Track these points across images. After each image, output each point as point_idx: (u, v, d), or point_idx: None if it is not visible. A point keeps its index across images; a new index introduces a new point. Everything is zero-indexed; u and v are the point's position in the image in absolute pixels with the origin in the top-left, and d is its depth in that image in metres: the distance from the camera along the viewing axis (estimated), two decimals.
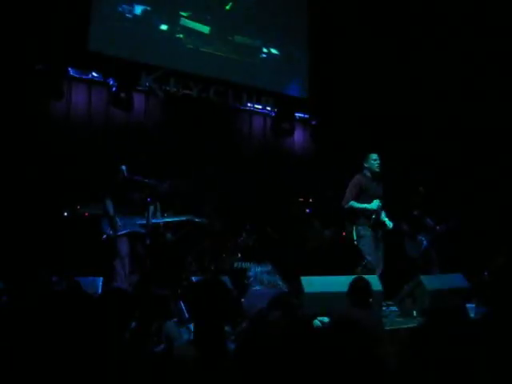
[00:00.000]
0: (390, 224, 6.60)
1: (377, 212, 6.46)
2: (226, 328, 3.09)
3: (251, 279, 5.26)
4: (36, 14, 7.66)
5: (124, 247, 6.20)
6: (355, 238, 6.52)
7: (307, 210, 9.62)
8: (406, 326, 5.65)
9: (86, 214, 7.36)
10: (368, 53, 10.71)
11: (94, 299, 2.46)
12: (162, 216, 6.81)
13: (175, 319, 4.64)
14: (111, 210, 6.20)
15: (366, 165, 6.75)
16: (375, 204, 6.45)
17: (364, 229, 6.45)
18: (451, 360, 1.57)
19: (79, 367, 1.70)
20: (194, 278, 6.24)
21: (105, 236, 6.23)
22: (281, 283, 5.43)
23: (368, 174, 6.71)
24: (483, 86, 9.32)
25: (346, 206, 6.52)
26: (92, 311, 1.85)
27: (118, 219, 6.18)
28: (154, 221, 6.54)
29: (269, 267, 5.31)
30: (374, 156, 6.75)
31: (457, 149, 9.24)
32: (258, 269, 5.32)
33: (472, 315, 5.58)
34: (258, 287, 5.05)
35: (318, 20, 10.60)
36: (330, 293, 5.77)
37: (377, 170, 6.69)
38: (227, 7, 9.90)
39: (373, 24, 10.50)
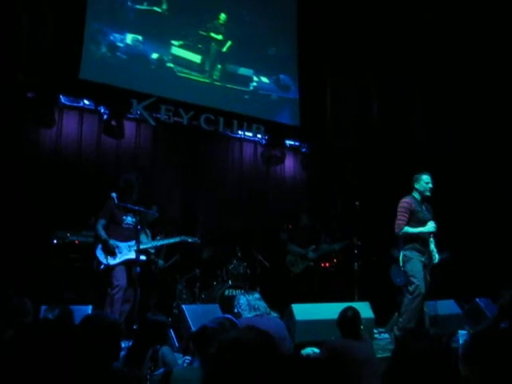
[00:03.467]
0: (435, 258, 6.15)
1: (434, 234, 6.05)
2: None
3: (242, 307, 5.19)
4: (28, 41, 7.72)
5: (122, 277, 6.14)
6: (401, 262, 6.11)
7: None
8: None
9: (76, 241, 7.30)
10: (358, 81, 10.88)
11: (75, 328, 2.43)
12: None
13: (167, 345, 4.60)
14: (103, 234, 6.17)
15: (416, 186, 6.23)
16: (431, 226, 6.00)
17: (411, 253, 6.03)
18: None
19: None
20: (184, 306, 6.19)
21: (102, 266, 6.15)
22: (270, 310, 5.40)
23: (417, 196, 6.22)
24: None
25: (401, 233, 6.04)
26: (72, 340, 1.82)
27: (112, 242, 6.14)
28: (151, 244, 6.53)
29: (257, 294, 5.26)
30: (427, 178, 6.20)
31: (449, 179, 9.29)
32: (249, 296, 5.26)
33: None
34: (251, 313, 4.99)
35: (308, 48, 10.74)
36: (321, 320, 5.75)
37: (428, 194, 6.20)
38: (224, 49, 10.02)
39: (362, 52, 10.67)
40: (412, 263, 6.03)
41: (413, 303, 5.95)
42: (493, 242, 8.57)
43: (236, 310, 5.24)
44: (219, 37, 9.97)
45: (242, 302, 5.20)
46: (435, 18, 9.92)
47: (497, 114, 9.17)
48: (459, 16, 9.56)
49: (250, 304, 5.11)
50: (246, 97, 10.16)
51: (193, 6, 9.67)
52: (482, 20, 9.32)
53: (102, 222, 6.28)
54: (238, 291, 7.46)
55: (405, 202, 6.15)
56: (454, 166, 9.38)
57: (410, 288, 6.01)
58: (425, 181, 6.19)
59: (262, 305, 5.15)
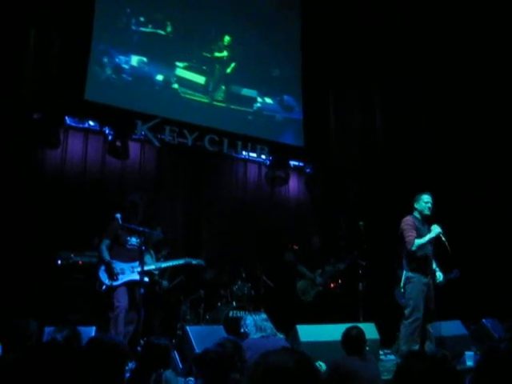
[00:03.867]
0: (440, 276, 6.19)
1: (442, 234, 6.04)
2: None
3: (249, 327, 5.14)
4: (34, 62, 7.80)
5: (124, 299, 6.10)
6: (402, 283, 6.11)
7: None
8: None
9: (80, 262, 7.29)
10: (362, 101, 10.93)
11: (80, 350, 2.41)
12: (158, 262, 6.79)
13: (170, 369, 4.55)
14: (107, 256, 6.15)
15: (416, 206, 6.29)
16: (436, 229, 6.03)
17: (414, 274, 6.00)
18: None
19: None
20: (188, 327, 6.16)
21: (104, 287, 6.12)
22: (277, 332, 5.34)
23: (418, 216, 6.24)
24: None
25: (415, 248, 5.97)
26: (78, 363, 1.80)
27: (115, 264, 6.12)
28: (155, 265, 6.51)
29: (264, 315, 5.22)
30: (426, 198, 6.25)
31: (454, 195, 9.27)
32: (256, 317, 5.21)
33: (470, 363, 5.52)
34: (257, 334, 4.94)
35: (311, 69, 10.81)
36: (326, 342, 5.70)
37: (427, 213, 6.22)
38: (228, 70, 10.10)
39: (365, 72, 10.75)
40: (413, 285, 6.00)
41: (409, 329, 5.88)
42: (499, 261, 8.53)
43: (242, 330, 5.19)
44: (223, 58, 10.07)
45: (248, 322, 5.15)
46: (440, 34, 10.02)
47: (503, 133, 9.19)
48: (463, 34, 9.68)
49: (256, 324, 5.06)
50: (250, 118, 10.20)
51: (197, 29, 9.78)
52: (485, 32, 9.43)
53: (106, 243, 6.27)
54: (242, 312, 7.43)
55: (407, 219, 6.19)
56: (459, 184, 9.38)
57: (406, 311, 5.96)
58: (424, 200, 6.24)
59: (268, 326, 5.10)
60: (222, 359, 3.13)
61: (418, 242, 6.00)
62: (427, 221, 6.29)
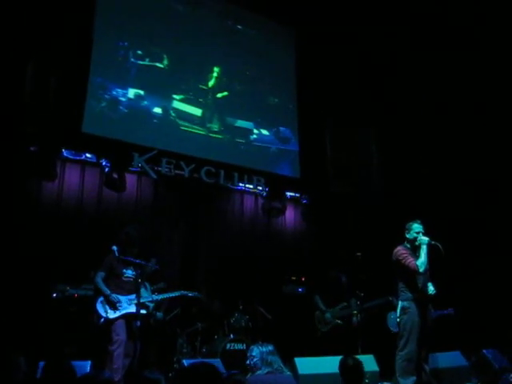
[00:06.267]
0: (431, 290, 6.06)
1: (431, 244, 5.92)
2: None
3: (255, 359, 5.03)
4: (32, 95, 7.85)
5: (122, 332, 6.04)
6: (398, 313, 5.96)
7: (299, 290, 9.49)
8: None
9: (76, 295, 7.23)
10: (358, 130, 11.01)
11: None
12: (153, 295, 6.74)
13: None
14: (105, 289, 6.11)
15: (407, 236, 6.14)
16: (424, 240, 5.90)
17: (410, 304, 5.86)
18: None
19: None
20: (185, 361, 6.07)
21: (102, 319, 6.06)
22: (283, 366, 5.20)
23: (408, 245, 6.09)
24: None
25: (422, 269, 5.79)
26: None
27: (115, 295, 6.08)
28: (151, 298, 6.46)
29: (271, 347, 5.11)
30: (417, 227, 6.09)
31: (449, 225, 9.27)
32: (263, 349, 5.11)
33: None
34: (263, 370, 4.83)
35: (307, 100, 10.92)
36: (325, 374, 5.60)
37: (417, 243, 6.02)
38: (224, 102, 10.20)
39: (361, 100, 10.85)
40: (408, 316, 5.87)
41: (404, 360, 5.75)
42: (498, 291, 8.47)
43: (248, 362, 5.07)
44: (219, 90, 10.15)
45: (254, 353, 5.02)
46: (432, 63, 10.16)
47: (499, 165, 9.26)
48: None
49: (262, 357, 4.95)
50: (246, 149, 10.24)
51: (193, 61, 9.90)
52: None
53: (101, 275, 6.24)
54: (240, 345, 7.34)
55: (400, 249, 6.06)
56: (458, 209, 9.38)
57: (401, 342, 5.83)
58: (415, 230, 6.10)
59: (274, 360, 4.98)
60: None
61: (421, 262, 5.85)
62: (416, 250, 6.11)
